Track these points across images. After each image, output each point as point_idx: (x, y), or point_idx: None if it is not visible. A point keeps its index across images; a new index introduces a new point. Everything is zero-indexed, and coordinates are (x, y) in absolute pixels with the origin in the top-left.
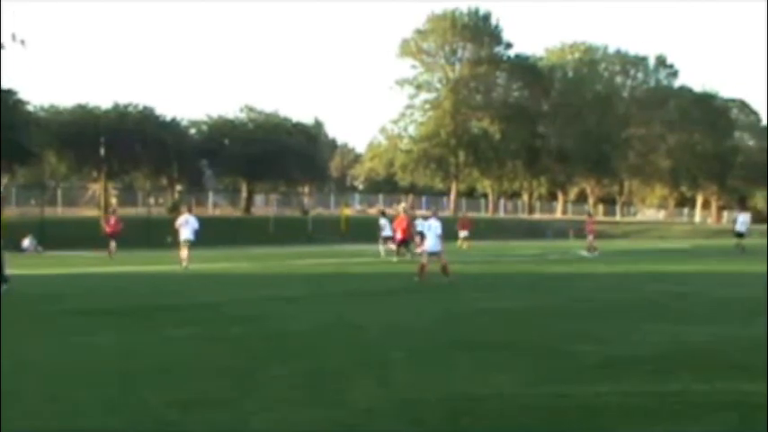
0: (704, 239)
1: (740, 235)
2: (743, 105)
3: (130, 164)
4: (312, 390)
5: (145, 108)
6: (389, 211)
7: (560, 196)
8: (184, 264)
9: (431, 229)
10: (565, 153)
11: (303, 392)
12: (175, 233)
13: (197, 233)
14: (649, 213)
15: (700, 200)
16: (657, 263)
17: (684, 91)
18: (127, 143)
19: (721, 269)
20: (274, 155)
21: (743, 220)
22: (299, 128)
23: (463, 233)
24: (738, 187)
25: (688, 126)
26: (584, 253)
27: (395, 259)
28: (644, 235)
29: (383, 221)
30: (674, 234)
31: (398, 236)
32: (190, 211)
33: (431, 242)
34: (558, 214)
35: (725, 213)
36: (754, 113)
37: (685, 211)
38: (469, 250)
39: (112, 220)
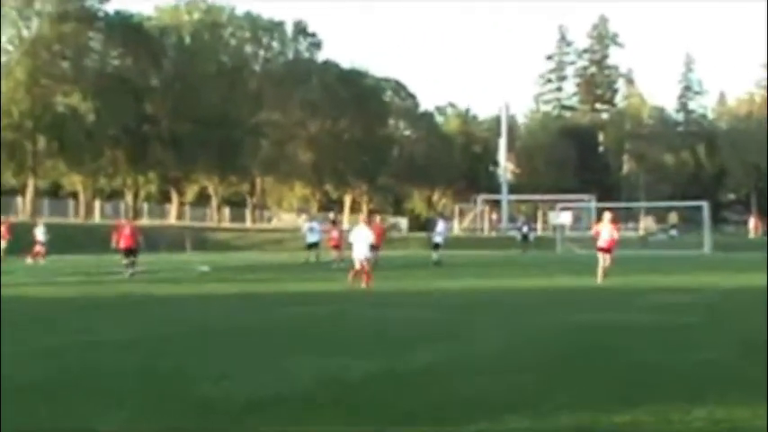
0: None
1: (311, 245)
2: (398, 87)
3: None
4: None
5: None
6: None
7: (175, 197)
8: None
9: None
10: (180, 141)
11: None
12: None
13: None
14: (288, 219)
15: (348, 202)
16: (294, 280)
17: (330, 66)
18: None
19: (375, 286)
20: None
21: (309, 226)
22: None
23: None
24: (392, 186)
25: (334, 110)
26: (334, 265)
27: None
28: (282, 245)
29: None
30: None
31: (122, 245)
32: None
33: (360, 249)
34: (173, 220)
35: (377, 218)
36: (411, 97)
37: (331, 215)
38: (38, 264)
39: None
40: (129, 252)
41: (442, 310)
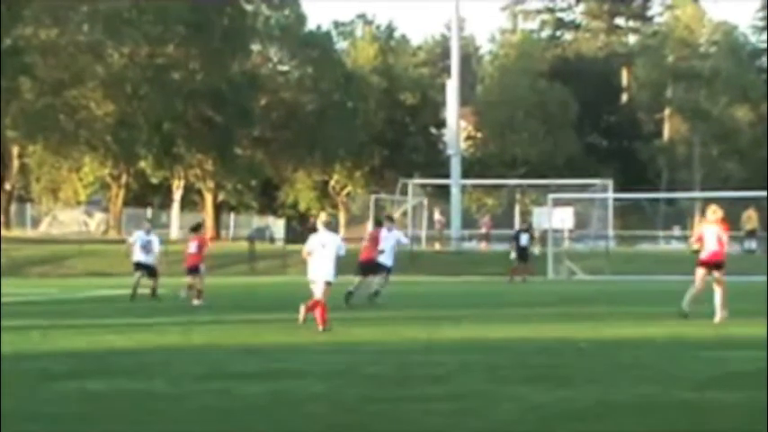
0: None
1: (144, 268)
2: None
3: None
4: None
5: None
6: None
7: None
8: None
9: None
10: None
11: None
12: None
13: None
14: (70, 219)
15: (178, 191)
16: (95, 328)
17: None
18: None
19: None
20: None
21: (144, 239)
22: None
23: None
24: (258, 163)
25: (153, 27)
26: (183, 293)
27: None
28: (62, 266)
29: None
30: (127, 265)
31: None
32: None
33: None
34: None
35: (232, 219)
36: (292, 3)
37: (149, 213)
38: None
39: None
40: None
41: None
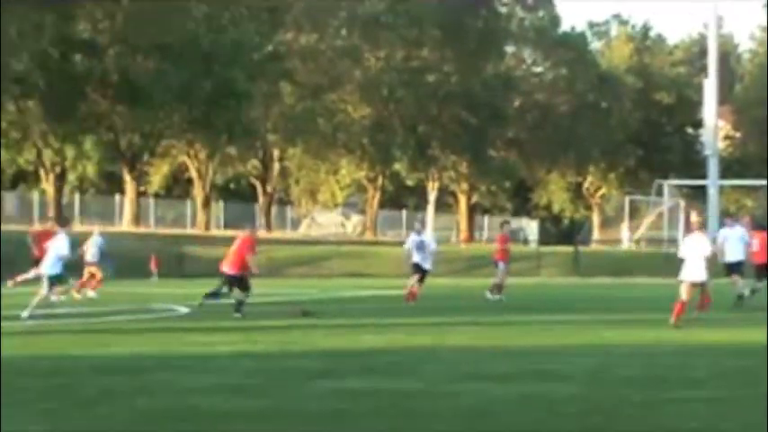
0: (454, 278)
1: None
2: None
3: None
4: None
5: None
6: None
7: (129, 182)
8: None
9: None
10: (135, 84)
11: None
12: None
13: None
14: (328, 221)
15: (433, 192)
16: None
17: None
18: None
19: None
20: None
21: (417, 241)
22: None
23: None
24: (512, 164)
25: (409, 30)
26: (489, 295)
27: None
28: (319, 267)
29: None
30: (382, 266)
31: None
32: None
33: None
34: (126, 224)
35: (486, 221)
36: (547, 3)
37: (404, 215)
38: None
39: None
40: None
41: None
